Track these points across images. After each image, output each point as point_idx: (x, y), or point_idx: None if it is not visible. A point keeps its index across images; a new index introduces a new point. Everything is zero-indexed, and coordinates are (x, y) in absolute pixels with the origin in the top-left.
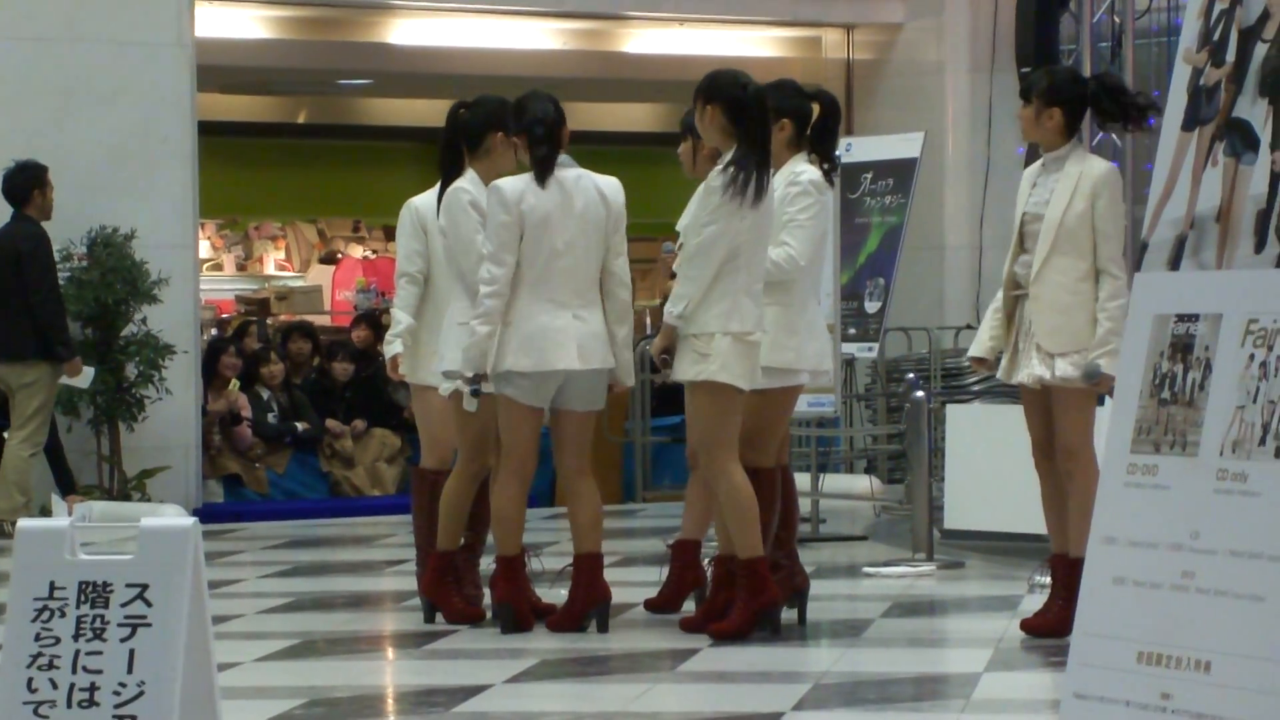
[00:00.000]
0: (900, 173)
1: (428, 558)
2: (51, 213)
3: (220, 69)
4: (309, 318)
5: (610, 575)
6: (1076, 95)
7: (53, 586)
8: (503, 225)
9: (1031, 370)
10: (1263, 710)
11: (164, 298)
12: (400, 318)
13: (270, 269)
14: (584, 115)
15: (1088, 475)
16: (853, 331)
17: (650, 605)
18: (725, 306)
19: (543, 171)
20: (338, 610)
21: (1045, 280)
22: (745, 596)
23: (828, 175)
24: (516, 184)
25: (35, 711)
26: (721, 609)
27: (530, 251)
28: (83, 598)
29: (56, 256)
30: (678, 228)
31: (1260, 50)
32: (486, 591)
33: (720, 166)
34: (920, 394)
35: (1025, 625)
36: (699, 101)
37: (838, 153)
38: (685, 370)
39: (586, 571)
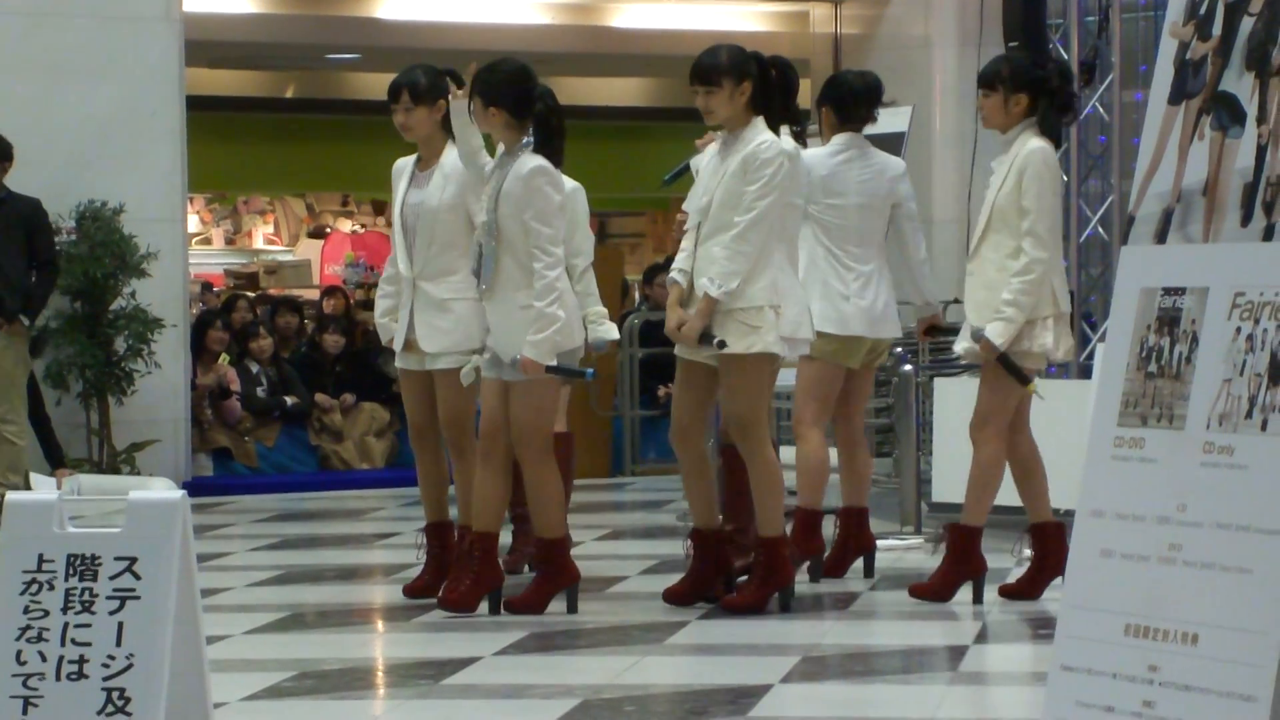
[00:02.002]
0: (888, 147)
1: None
2: None
3: (208, 43)
4: (297, 292)
5: (599, 548)
6: (1039, 80)
7: (41, 559)
8: (561, 206)
9: (961, 343)
10: (1250, 683)
11: (153, 271)
12: None
13: (259, 243)
14: (572, 90)
15: (986, 450)
16: None
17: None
18: (769, 280)
19: (559, 154)
20: (327, 583)
21: (980, 256)
22: (763, 574)
23: (798, 137)
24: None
25: (24, 683)
26: (708, 580)
27: (566, 230)
28: (71, 570)
29: None
30: (686, 207)
31: (1247, 23)
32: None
33: (762, 142)
34: (908, 368)
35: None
36: (728, 80)
37: (813, 125)
38: (735, 344)
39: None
